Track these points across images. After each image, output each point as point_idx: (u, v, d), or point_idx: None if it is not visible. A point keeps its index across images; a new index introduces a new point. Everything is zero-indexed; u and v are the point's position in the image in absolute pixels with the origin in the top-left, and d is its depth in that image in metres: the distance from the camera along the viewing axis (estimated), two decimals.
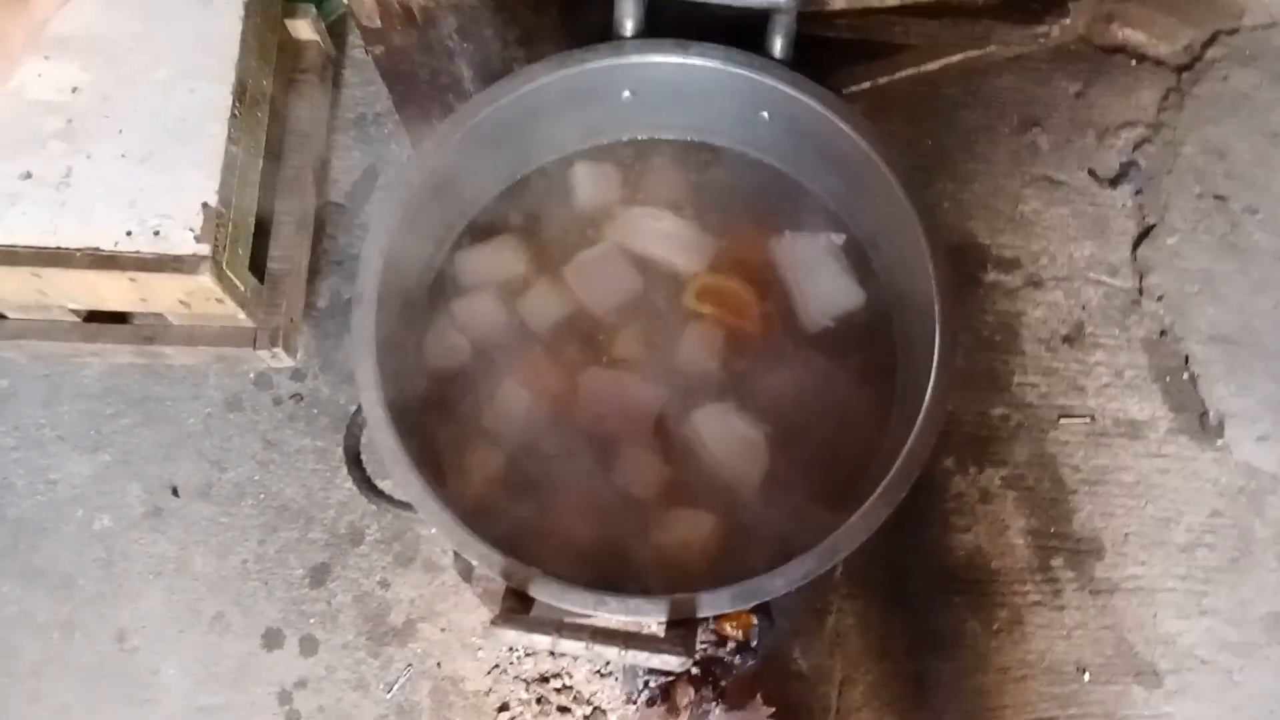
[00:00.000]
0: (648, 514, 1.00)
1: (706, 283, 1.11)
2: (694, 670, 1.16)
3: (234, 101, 1.34)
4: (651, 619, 0.86)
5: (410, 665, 1.42)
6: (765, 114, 1.06)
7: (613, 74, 1.04)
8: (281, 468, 1.52)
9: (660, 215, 1.14)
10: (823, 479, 1.00)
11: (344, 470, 1.50)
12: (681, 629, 0.83)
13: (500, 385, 1.05)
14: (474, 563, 0.85)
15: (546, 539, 0.95)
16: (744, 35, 1.04)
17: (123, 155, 1.32)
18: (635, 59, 1.03)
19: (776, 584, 0.86)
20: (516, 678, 1.41)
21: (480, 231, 1.13)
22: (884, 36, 1.58)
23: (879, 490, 0.87)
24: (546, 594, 0.85)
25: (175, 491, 1.51)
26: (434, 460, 0.98)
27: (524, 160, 1.12)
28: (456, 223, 1.09)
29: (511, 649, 1.43)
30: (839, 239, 1.11)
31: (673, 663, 0.80)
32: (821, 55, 1.10)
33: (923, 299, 0.94)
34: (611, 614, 0.85)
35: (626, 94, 1.07)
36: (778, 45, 1.00)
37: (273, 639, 1.44)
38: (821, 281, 1.10)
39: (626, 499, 1.00)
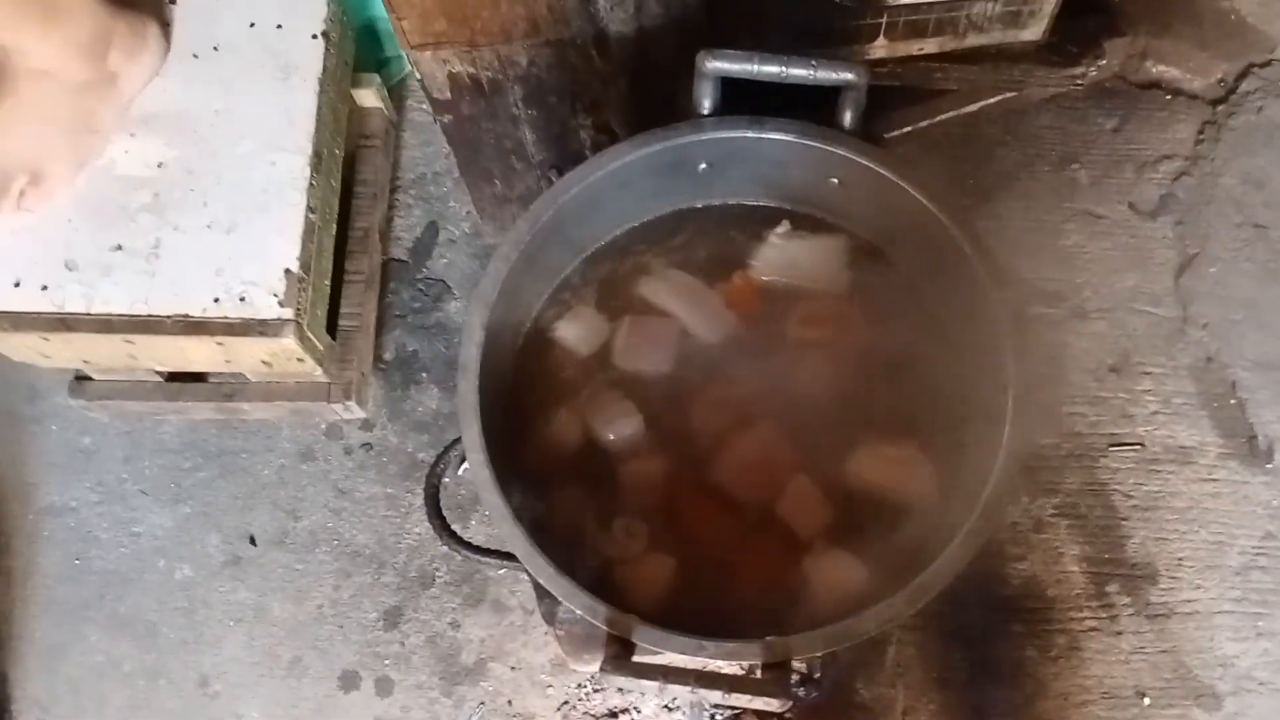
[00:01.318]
0: (802, 562, 1.02)
1: (809, 308, 1.13)
2: None
3: (311, 171, 1.39)
4: (747, 662, 0.90)
5: (483, 703, 1.46)
6: (835, 180, 1.10)
7: (691, 149, 1.09)
8: (353, 515, 1.57)
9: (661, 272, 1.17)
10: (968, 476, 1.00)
11: (414, 516, 1.56)
12: (779, 670, 0.87)
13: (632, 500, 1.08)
14: (578, 612, 0.89)
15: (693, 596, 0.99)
16: (806, 98, 1.08)
17: (208, 226, 1.37)
18: (713, 135, 1.08)
19: (867, 625, 0.88)
20: (586, 713, 1.44)
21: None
22: (923, 83, 1.63)
23: (962, 533, 0.90)
24: (648, 640, 0.89)
25: (253, 541, 1.56)
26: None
27: (602, 230, 1.18)
28: (544, 290, 1.14)
29: (580, 685, 1.47)
30: (784, 228, 1.17)
31: (774, 704, 0.84)
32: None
33: (991, 351, 0.97)
34: (709, 658, 0.89)
35: (703, 166, 1.12)
36: (847, 117, 1.04)
37: (349, 681, 1.48)
38: (807, 257, 1.15)
39: (775, 550, 1.03)
